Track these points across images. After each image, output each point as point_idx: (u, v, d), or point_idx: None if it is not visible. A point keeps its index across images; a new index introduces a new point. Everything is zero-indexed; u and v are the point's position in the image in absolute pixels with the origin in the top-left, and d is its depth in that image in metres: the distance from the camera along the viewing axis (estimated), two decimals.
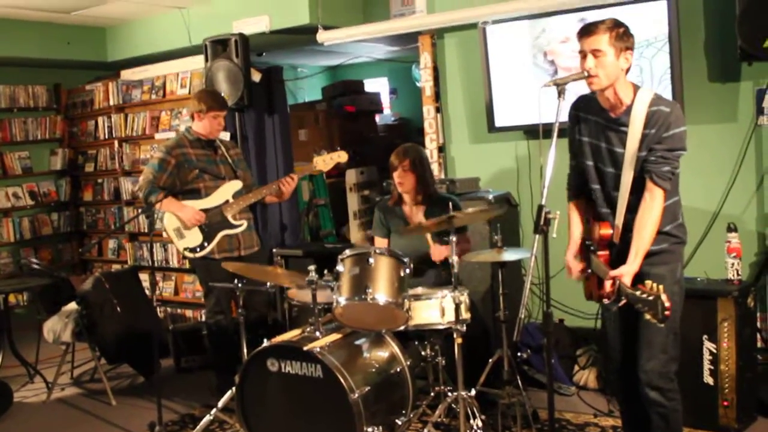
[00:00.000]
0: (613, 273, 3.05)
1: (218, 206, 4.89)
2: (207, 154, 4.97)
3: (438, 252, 4.24)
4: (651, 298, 2.76)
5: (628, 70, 3.14)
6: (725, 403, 4.05)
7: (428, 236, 4.31)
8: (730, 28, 4.46)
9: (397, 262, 3.78)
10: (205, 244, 4.87)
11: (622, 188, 3.17)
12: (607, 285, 3.07)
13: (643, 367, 3.18)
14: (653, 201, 3.06)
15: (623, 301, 2.99)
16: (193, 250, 4.89)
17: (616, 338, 3.39)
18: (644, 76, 4.86)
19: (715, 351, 4.06)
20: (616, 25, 3.11)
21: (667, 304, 2.70)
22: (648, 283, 2.84)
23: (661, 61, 4.77)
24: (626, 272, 3.03)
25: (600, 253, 3.26)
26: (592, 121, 3.27)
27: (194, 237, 4.87)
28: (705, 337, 4.08)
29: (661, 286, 2.77)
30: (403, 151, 4.44)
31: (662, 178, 3.04)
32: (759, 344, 4.47)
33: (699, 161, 4.87)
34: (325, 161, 5.01)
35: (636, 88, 3.15)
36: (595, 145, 3.26)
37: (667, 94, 4.81)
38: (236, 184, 4.98)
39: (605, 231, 3.28)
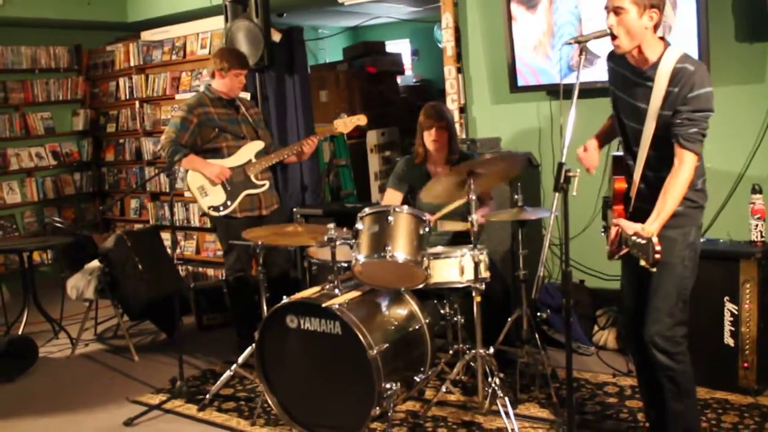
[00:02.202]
0: (616, 221, 3.00)
1: (241, 165, 4.91)
2: (228, 113, 4.97)
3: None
4: (643, 241, 2.73)
5: (656, 27, 3.04)
6: (745, 365, 4.02)
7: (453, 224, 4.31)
8: None
9: (417, 220, 3.78)
10: (228, 203, 4.89)
11: (642, 143, 3.11)
12: (612, 232, 3.03)
13: (648, 331, 3.15)
14: (681, 165, 2.95)
15: (624, 250, 2.94)
16: (216, 208, 4.91)
17: (631, 299, 3.38)
18: (668, 35, 4.79)
19: (736, 312, 4.03)
20: None
21: (657, 248, 2.66)
22: (642, 226, 2.81)
23: (687, 19, 4.69)
24: (639, 227, 2.91)
25: (615, 207, 3.23)
26: (620, 75, 3.23)
27: (217, 195, 4.89)
28: (726, 298, 4.04)
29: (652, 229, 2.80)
30: (439, 109, 4.48)
31: (689, 140, 2.94)
32: None
33: (724, 122, 4.80)
34: (345, 124, 5.06)
35: (666, 45, 3.06)
36: (623, 99, 3.22)
37: (693, 54, 4.74)
38: (258, 144, 5.00)
39: (620, 185, 3.25)
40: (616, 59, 3.27)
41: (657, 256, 2.67)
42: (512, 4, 5.39)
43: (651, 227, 2.92)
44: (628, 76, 3.18)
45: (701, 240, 3.21)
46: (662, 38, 3.09)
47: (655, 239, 2.69)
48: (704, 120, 2.97)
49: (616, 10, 3.01)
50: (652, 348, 3.14)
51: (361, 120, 5.09)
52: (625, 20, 3.00)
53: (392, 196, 4.62)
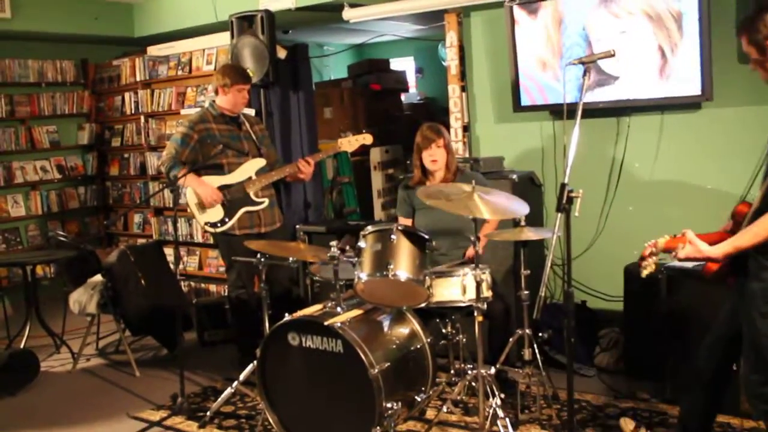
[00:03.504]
0: (689, 236, 2.91)
1: (241, 182, 4.92)
2: (231, 130, 4.99)
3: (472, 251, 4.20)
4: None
5: None
6: None
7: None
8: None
9: (419, 239, 3.78)
10: (226, 219, 4.90)
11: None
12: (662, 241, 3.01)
13: (742, 377, 3.07)
14: None
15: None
16: (213, 224, 4.92)
17: (722, 326, 3.23)
18: (672, 57, 4.81)
19: None
20: (750, 21, 2.89)
21: (686, 250, 2.82)
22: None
23: (690, 39, 4.71)
24: (701, 248, 2.87)
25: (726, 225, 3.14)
26: None
27: (215, 212, 4.90)
28: None
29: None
30: (436, 129, 4.50)
31: None
32: None
33: (727, 143, 4.83)
34: (350, 142, 5.07)
35: None
36: None
37: (697, 76, 4.77)
38: (260, 162, 5.01)
39: (741, 208, 3.06)
40: None
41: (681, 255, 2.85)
42: (516, 23, 5.42)
43: (712, 249, 2.86)
44: None
45: None
46: None
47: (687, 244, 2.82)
48: None
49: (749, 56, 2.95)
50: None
51: (367, 139, 5.11)
52: (757, 64, 2.93)
53: (404, 222, 4.64)
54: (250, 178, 4.95)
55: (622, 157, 5.26)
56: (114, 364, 5.61)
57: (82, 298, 5.51)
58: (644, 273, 3.04)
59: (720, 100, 4.76)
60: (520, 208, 3.87)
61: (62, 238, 6.25)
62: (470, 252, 4.30)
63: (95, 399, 4.93)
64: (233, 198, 4.89)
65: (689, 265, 4.15)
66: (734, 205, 3.12)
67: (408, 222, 4.63)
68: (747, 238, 2.79)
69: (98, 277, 5.53)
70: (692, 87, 4.81)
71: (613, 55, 3.31)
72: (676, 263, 4.15)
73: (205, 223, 4.94)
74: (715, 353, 3.23)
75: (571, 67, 3.40)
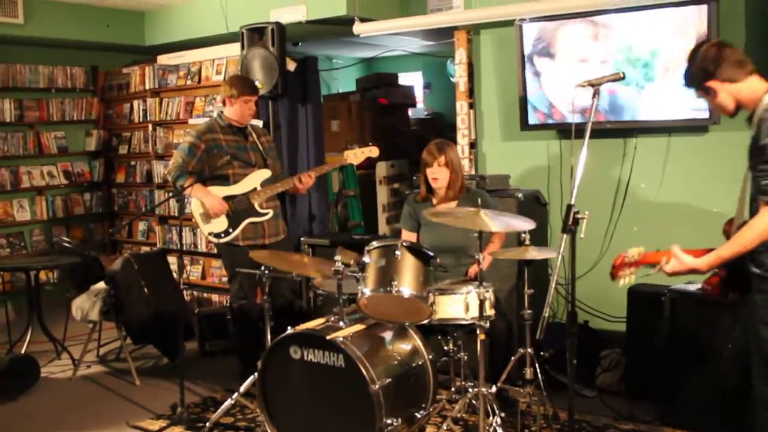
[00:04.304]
0: (674, 250, 3.02)
1: (245, 193, 4.93)
2: (237, 141, 5.00)
3: (475, 270, 4.21)
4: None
5: (739, 77, 3.00)
6: None
7: (463, 232, 4.32)
8: None
9: (424, 255, 3.78)
10: (230, 230, 4.90)
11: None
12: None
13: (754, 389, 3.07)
14: (758, 216, 2.86)
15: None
16: (217, 235, 4.92)
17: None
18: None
19: None
20: (686, 70, 3.11)
21: (671, 264, 2.96)
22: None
23: None
24: (685, 260, 2.98)
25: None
26: None
27: (220, 222, 4.90)
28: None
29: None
30: (439, 146, 4.47)
31: (761, 192, 2.84)
32: None
33: (734, 167, 4.81)
34: (356, 155, 5.07)
35: None
36: None
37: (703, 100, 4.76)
38: (265, 173, 5.02)
39: (726, 225, 3.21)
40: None
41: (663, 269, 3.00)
42: (525, 42, 5.44)
43: (695, 260, 2.97)
44: None
45: None
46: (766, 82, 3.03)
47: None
48: None
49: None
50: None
51: (373, 152, 5.10)
52: (712, 104, 3.13)
53: (406, 237, 4.65)
54: (254, 189, 4.96)
55: (628, 178, 5.27)
56: (114, 372, 5.61)
57: (85, 305, 5.51)
58: (620, 283, 3.18)
59: (726, 123, 4.74)
60: (525, 224, 3.88)
61: (66, 244, 6.26)
62: (473, 270, 4.29)
63: (95, 406, 4.93)
64: (238, 209, 4.90)
65: (692, 287, 4.16)
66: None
67: (412, 236, 4.63)
68: (729, 248, 2.92)
69: (101, 284, 5.53)
70: (700, 110, 4.81)
71: (623, 78, 3.31)
72: (680, 286, 4.16)
73: (209, 234, 4.95)
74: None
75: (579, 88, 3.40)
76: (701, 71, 3.03)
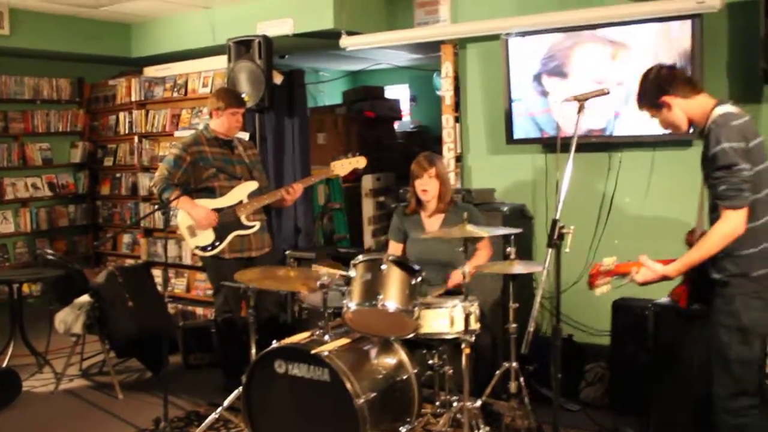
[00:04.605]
0: (643, 259, 3.17)
1: (232, 206, 4.91)
2: (224, 153, 4.99)
3: (457, 278, 4.23)
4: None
5: (690, 94, 3.19)
6: None
7: (448, 246, 4.34)
8: (754, 50, 4.45)
9: (409, 269, 3.78)
10: (217, 243, 4.89)
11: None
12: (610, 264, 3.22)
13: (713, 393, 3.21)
14: (720, 221, 3.03)
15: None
16: (204, 248, 4.91)
17: None
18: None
19: None
20: (640, 90, 3.30)
21: (642, 273, 3.13)
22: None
23: None
24: (655, 268, 3.13)
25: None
26: None
27: (206, 236, 4.89)
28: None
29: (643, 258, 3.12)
30: (429, 158, 4.51)
31: (720, 198, 3.02)
32: None
33: None
34: (343, 166, 5.04)
35: (718, 104, 3.16)
36: None
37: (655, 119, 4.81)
38: (251, 185, 5.00)
39: (688, 236, 3.39)
40: None
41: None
42: (511, 57, 5.46)
43: (663, 267, 3.13)
44: None
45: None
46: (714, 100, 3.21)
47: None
48: (727, 176, 2.99)
49: (652, 117, 3.31)
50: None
51: (360, 162, 5.07)
52: (661, 121, 3.29)
53: (393, 248, 4.68)
54: (241, 201, 4.95)
55: (613, 191, 5.29)
56: (97, 386, 5.56)
57: (68, 318, 5.47)
58: (597, 292, 3.27)
59: None
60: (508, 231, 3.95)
61: (50, 257, 6.22)
62: (453, 278, 4.29)
63: (77, 421, 4.89)
64: (224, 222, 4.88)
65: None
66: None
67: (399, 247, 4.64)
68: (695, 253, 3.10)
69: (85, 297, 5.49)
70: None
71: (607, 93, 3.35)
72: (664, 299, 4.17)
73: (196, 247, 4.93)
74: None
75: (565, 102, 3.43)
76: (657, 88, 3.21)
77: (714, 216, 3.10)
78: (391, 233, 4.75)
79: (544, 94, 5.39)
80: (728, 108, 3.10)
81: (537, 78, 5.38)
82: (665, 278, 3.16)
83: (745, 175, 2.96)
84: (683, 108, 3.19)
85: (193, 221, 4.87)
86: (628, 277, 3.20)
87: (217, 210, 4.88)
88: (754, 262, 3.07)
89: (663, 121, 3.27)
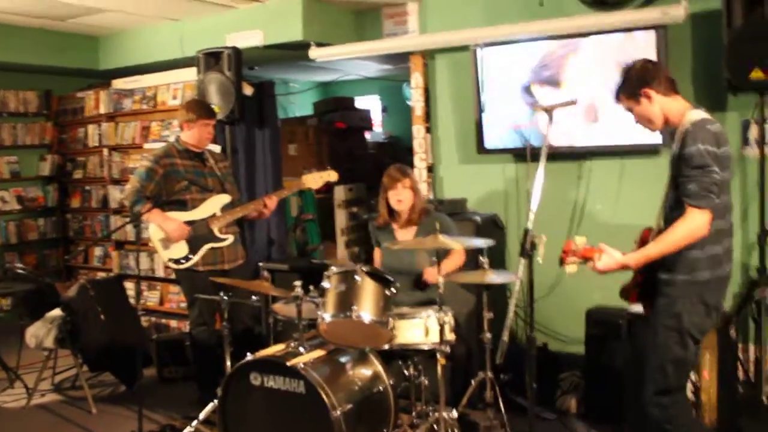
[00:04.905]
0: (603, 246, 3.21)
1: (205, 219, 4.90)
2: (195, 166, 4.98)
3: (432, 274, 4.26)
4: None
5: (670, 93, 3.24)
6: None
7: (421, 256, 4.36)
8: (717, 59, 4.53)
9: (384, 280, 3.80)
10: (190, 256, 4.87)
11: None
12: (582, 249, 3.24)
13: (643, 390, 3.28)
14: (685, 218, 3.07)
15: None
16: (177, 261, 4.89)
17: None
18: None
19: (696, 381, 4.08)
20: (622, 80, 3.31)
21: (603, 260, 3.14)
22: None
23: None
24: (615, 257, 3.16)
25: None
26: None
27: (179, 248, 4.87)
28: None
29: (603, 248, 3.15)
30: (402, 169, 4.56)
31: (687, 195, 3.06)
32: (740, 376, 4.51)
33: None
34: (314, 179, 5.05)
35: (693, 108, 3.22)
36: None
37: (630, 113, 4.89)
38: (224, 198, 5.00)
39: (646, 233, 3.41)
40: None
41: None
42: (480, 67, 5.51)
43: (623, 258, 3.17)
44: None
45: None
46: (688, 105, 3.26)
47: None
48: (698, 176, 3.05)
49: (628, 111, 3.33)
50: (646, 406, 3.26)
51: (332, 176, 5.09)
52: (637, 114, 3.31)
53: (377, 254, 4.74)
54: (214, 214, 4.94)
55: (584, 200, 5.35)
56: (70, 401, 5.51)
57: (40, 332, 5.41)
58: (567, 270, 3.27)
59: None
60: (482, 243, 3.97)
61: (20, 271, 6.16)
62: (428, 274, 4.33)
63: None
64: (197, 234, 4.87)
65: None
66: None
67: (379, 253, 4.68)
68: (657, 247, 3.13)
69: (57, 311, 5.44)
70: (653, 135, 4.91)
71: (575, 103, 3.40)
72: (638, 308, 4.22)
73: (169, 259, 4.91)
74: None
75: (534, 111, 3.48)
76: (639, 80, 3.24)
77: (676, 214, 3.13)
78: (373, 242, 4.79)
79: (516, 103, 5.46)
80: (703, 114, 3.17)
81: (513, 88, 5.43)
82: (625, 267, 3.20)
83: (716, 177, 3.02)
84: (661, 104, 3.23)
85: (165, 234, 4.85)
86: (591, 263, 3.22)
87: (190, 223, 4.86)
88: (700, 265, 3.14)
89: (639, 114, 3.29)
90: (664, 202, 3.32)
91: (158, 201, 4.82)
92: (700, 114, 3.16)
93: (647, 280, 3.28)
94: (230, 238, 4.98)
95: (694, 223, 3.03)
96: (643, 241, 3.36)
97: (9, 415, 5.25)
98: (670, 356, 3.18)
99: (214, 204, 4.95)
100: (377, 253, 4.73)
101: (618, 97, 3.33)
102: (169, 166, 4.89)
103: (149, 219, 4.83)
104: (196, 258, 4.87)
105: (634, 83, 3.25)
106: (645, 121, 3.30)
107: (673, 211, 3.20)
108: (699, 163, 3.02)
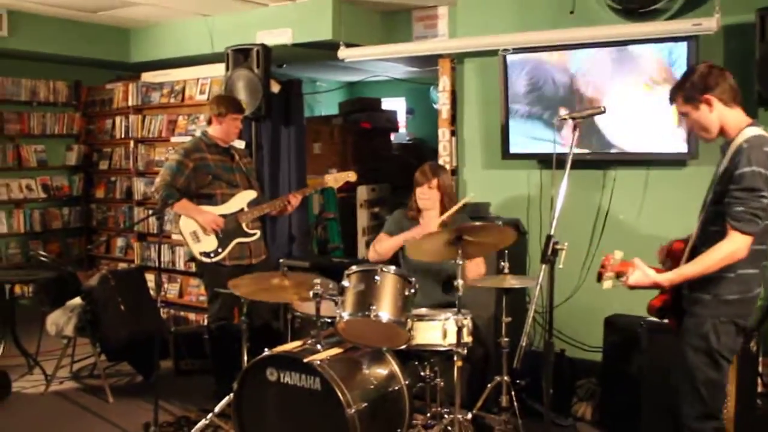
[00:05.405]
0: (637, 262, 3.13)
1: (233, 213, 4.93)
2: (223, 160, 5.01)
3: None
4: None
5: (731, 103, 3.11)
6: None
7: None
8: (749, 72, 4.49)
9: (403, 281, 3.80)
10: (219, 250, 4.90)
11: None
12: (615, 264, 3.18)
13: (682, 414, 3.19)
14: (726, 240, 2.97)
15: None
16: (207, 254, 4.91)
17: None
18: (662, 117, 4.89)
19: None
20: (682, 82, 3.16)
21: (635, 276, 3.06)
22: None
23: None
24: (649, 274, 3.09)
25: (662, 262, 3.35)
26: None
27: (209, 242, 4.90)
28: None
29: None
30: (433, 168, 4.51)
31: (732, 217, 2.95)
32: (759, 389, 4.46)
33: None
34: (335, 179, 5.14)
35: (752, 124, 3.11)
36: None
37: (683, 137, 4.86)
38: (251, 193, 5.03)
39: (677, 244, 3.34)
40: None
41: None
42: (509, 73, 5.50)
43: (659, 276, 3.08)
44: None
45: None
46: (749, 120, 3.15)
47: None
48: (745, 199, 2.94)
49: (682, 115, 3.20)
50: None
51: (351, 176, 5.15)
52: (691, 121, 3.16)
53: (383, 238, 4.60)
54: (242, 209, 4.97)
55: (607, 209, 5.32)
56: (87, 389, 5.55)
57: (60, 320, 5.46)
58: (604, 285, 3.21)
59: (704, 158, 4.83)
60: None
61: (43, 258, 6.21)
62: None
63: (66, 423, 4.88)
64: (227, 229, 4.90)
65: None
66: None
67: (387, 239, 4.58)
68: (693, 267, 3.03)
69: (77, 300, 5.49)
70: (679, 145, 4.90)
71: (604, 112, 3.38)
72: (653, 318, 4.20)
73: (200, 253, 4.93)
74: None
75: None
76: (701, 84, 3.08)
77: (713, 229, 3.05)
78: (387, 225, 4.70)
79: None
80: (761, 131, 3.04)
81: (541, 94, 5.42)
82: (657, 286, 3.13)
83: (764, 202, 2.91)
84: (720, 114, 3.09)
85: (197, 226, 4.88)
86: (624, 277, 3.14)
87: (221, 217, 4.90)
88: (731, 286, 3.04)
89: (695, 120, 3.14)
90: (701, 213, 3.23)
91: (188, 194, 4.86)
92: (758, 131, 3.03)
93: (676, 298, 3.22)
94: (257, 234, 5.01)
95: (735, 245, 2.94)
96: (672, 253, 3.30)
97: (27, 401, 5.30)
98: (702, 378, 3.08)
99: (242, 199, 4.99)
100: (383, 237, 4.62)
101: (674, 99, 3.17)
102: (199, 160, 4.92)
103: (182, 211, 4.87)
104: (225, 252, 4.90)
105: (696, 88, 3.08)
106: (700, 128, 3.15)
107: (710, 225, 3.11)
108: (750, 185, 2.91)
